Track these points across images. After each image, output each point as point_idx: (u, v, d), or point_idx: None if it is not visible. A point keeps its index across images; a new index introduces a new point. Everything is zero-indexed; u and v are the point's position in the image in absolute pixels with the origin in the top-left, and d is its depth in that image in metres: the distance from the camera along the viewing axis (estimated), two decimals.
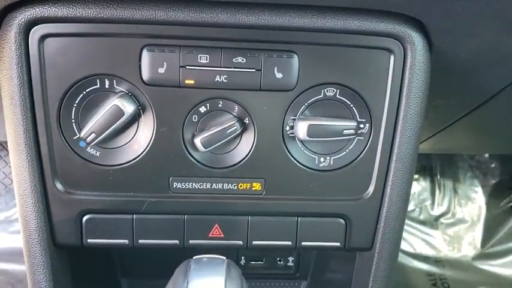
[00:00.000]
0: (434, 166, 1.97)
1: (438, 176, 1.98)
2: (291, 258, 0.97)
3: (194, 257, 0.52)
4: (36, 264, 0.68)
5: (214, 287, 0.46)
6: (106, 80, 0.62)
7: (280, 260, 0.97)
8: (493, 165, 1.92)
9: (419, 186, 1.97)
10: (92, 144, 0.63)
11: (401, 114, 0.64)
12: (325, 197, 0.68)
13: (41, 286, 0.68)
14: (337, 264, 0.87)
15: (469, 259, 1.90)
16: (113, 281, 0.94)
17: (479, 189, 1.95)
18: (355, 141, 0.66)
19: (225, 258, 0.53)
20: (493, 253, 1.91)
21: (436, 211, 1.98)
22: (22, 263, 1.68)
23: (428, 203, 1.98)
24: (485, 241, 1.92)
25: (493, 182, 1.93)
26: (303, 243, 0.70)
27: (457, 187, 1.98)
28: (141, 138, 0.64)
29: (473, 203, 1.96)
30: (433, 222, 1.97)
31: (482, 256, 1.91)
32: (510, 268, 1.89)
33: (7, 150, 1.65)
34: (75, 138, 0.64)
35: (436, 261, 1.88)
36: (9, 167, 1.67)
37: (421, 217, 1.97)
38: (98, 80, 0.62)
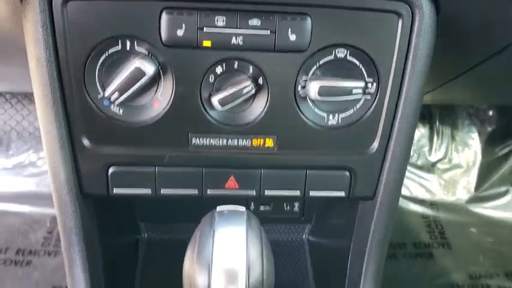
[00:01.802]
0: (434, 113, 2.02)
1: (437, 123, 2.03)
2: (296, 204, 1.04)
3: (217, 209, 0.58)
4: (66, 212, 0.74)
5: (237, 234, 0.52)
6: (127, 41, 0.65)
7: (286, 206, 1.04)
8: (490, 114, 1.96)
9: (418, 133, 2.03)
10: (116, 103, 0.67)
11: (407, 74, 0.68)
12: (332, 152, 0.73)
13: (71, 232, 0.75)
14: (341, 211, 0.93)
15: (463, 202, 1.99)
16: (132, 226, 1.01)
17: (476, 136, 2.01)
18: (362, 100, 0.70)
19: (244, 209, 0.58)
20: (485, 196, 2.00)
21: (434, 157, 2.05)
22: (37, 205, 1.77)
23: (426, 149, 2.05)
24: (479, 185, 2.00)
25: (490, 129, 1.98)
26: (311, 193, 0.76)
27: (454, 134, 2.04)
28: (161, 97, 0.68)
29: (469, 149, 2.03)
30: (430, 167, 2.04)
31: (475, 199, 2.00)
32: (501, 210, 1.99)
33: (17, 99, 1.69)
34: (99, 97, 0.68)
35: (431, 204, 1.97)
36: (20, 115, 1.72)
37: (419, 162, 2.04)
38: (119, 42, 0.65)
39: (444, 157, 2.05)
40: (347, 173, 0.75)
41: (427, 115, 2.02)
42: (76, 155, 0.70)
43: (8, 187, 1.90)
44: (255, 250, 0.52)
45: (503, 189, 2.00)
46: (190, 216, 0.96)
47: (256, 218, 0.57)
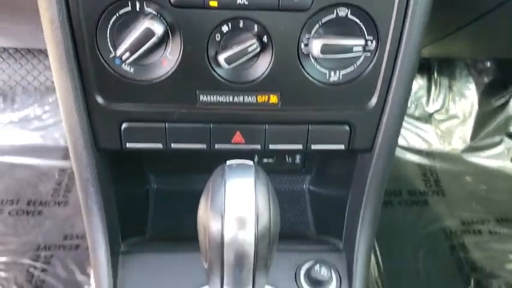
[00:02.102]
0: (433, 65, 2.04)
1: (435, 75, 2.06)
2: (298, 156, 1.09)
3: (227, 163, 0.62)
4: (83, 165, 0.78)
5: (246, 185, 0.57)
6: (137, 2, 0.67)
7: (288, 158, 1.09)
8: (488, 65, 1.99)
9: (416, 84, 2.06)
10: (127, 62, 0.70)
11: (406, 32, 0.71)
12: (333, 107, 0.77)
13: (88, 183, 0.80)
14: (340, 162, 0.98)
15: (458, 152, 2.05)
16: (142, 177, 1.06)
17: (473, 87, 2.04)
18: (362, 57, 0.73)
19: (252, 162, 0.63)
20: (480, 146, 2.06)
21: (431, 107, 2.09)
22: (44, 158, 1.83)
23: (424, 100, 2.08)
24: (474, 135, 2.06)
25: (487, 80, 2.01)
26: (312, 146, 0.80)
27: (452, 85, 2.07)
28: (170, 56, 0.71)
29: (466, 100, 2.06)
30: (427, 118, 2.09)
31: (470, 149, 2.06)
32: (495, 159, 2.06)
33: (21, 53, 1.70)
34: (111, 56, 0.71)
35: (427, 153, 2.03)
36: (25, 69, 1.74)
37: (416, 113, 2.09)
38: (129, 3, 0.67)
39: (441, 108, 2.09)
40: (347, 127, 0.79)
41: (426, 66, 2.05)
42: (90, 111, 0.74)
43: (14, 140, 1.95)
44: (263, 199, 0.56)
45: (497, 139, 2.06)
46: (196, 168, 1.01)
47: (263, 171, 0.61)
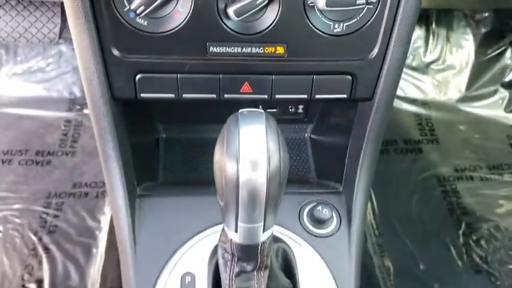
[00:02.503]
0: (431, 15, 2.05)
1: (433, 25, 2.08)
2: (300, 106, 1.14)
3: (240, 111, 0.67)
4: (100, 114, 0.83)
5: (258, 131, 0.62)
6: None
7: (291, 108, 1.14)
8: (486, 14, 2.00)
9: (414, 35, 2.06)
10: (141, 15, 0.74)
11: None
12: (336, 58, 0.81)
13: (106, 131, 0.85)
14: (341, 111, 1.03)
15: (454, 101, 2.10)
16: (152, 127, 1.12)
17: (470, 37, 2.06)
18: (365, 10, 0.77)
19: (263, 111, 0.68)
20: (475, 96, 2.11)
21: (428, 58, 2.12)
22: (49, 109, 1.87)
23: (421, 50, 2.11)
24: (470, 85, 2.10)
25: (484, 30, 2.03)
26: (316, 95, 0.85)
27: (449, 35, 2.09)
28: (181, 9, 0.75)
29: (463, 50, 2.09)
30: (424, 68, 2.12)
31: (465, 99, 2.11)
32: (489, 109, 2.11)
33: (23, 5, 1.70)
34: (125, 10, 0.74)
35: (423, 103, 2.08)
36: (28, 21, 1.75)
37: (414, 63, 2.12)
38: None
39: (438, 58, 2.12)
40: (349, 77, 0.84)
41: (424, 17, 2.06)
42: (107, 63, 0.78)
43: (19, 92, 1.98)
44: (273, 143, 0.62)
45: (492, 88, 2.10)
46: (203, 118, 1.06)
47: (273, 118, 0.66)
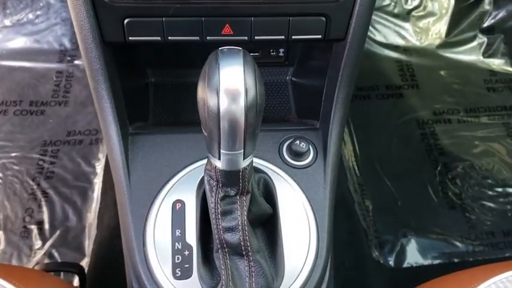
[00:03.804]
0: None
1: None
2: (281, 50, 1.20)
3: (219, 48, 0.73)
4: (92, 57, 0.89)
5: (236, 65, 0.68)
6: None
7: (272, 52, 1.20)
8: None
9: None
10: None
11: None
12: (311, 1, 0.87)
13: (98, 73, 0.91)
14: (318, 54, 1.09)
15: (434, 47, 2.17)
16: (141, 71, 1.18)
17: None
18: None
19: (241, 48, 0.74)
20: (455, 42, 2.17)
21: (409, 5, 2.16)
22: (41, 61, 1.92)
23: None
24: (449, 31, 2.16)
25: None
26: (293, 36, 0.91)
27: None
28: None
29: None
30: (405, 15, 2.17)
31: (445, 44, 2.17)
32: (468, 54, 2.18)
33: None
34: None
35: (404, 50, 2.15)
36: None
37: (395, 11, 2.16)
38: None
39: (419, 5, 2.16)
40: (323, 19, 0.90)
41: None
42: (97, 9, 0.84)
43: (10, 45, 2.01)
44: (250, 77, 0.68)
45: (471, 34, 2.16)
46: (189, 63, 1.12)
47: (250, 55, 0.73)
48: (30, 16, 2.01)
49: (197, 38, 0.89)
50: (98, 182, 1.68)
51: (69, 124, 1.83)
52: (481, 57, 2.16)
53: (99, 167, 1.71)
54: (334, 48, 0.98)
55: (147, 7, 0.85)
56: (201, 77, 0.72)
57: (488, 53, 2.15)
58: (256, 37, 0.91)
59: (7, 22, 2.01)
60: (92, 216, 1.61)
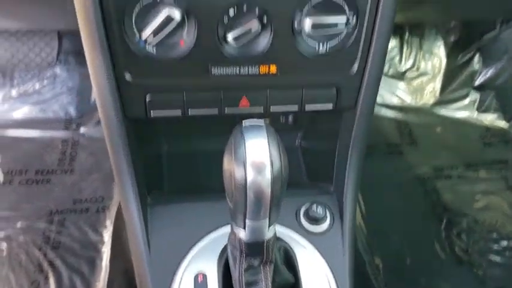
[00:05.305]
0: (404, 26, 2.19)
1: (406, 35, 2.22)
2: (290, 116, 1.24)
3: (243, 123, 0.77)
4: (114, 133, 0.92)
5: (261, 139, 0.71)
6: None
7: (282, 118, 1.24)
8: (454, 24, 2.15)
9: (389, 45, 2.20)
10: (151, 44, 0.83)
11: (380, 12, 0.86)
12: (322, 74, 0.92)
13: (119, 147, 0.93)
14: (327, 119, 1.13)
15: (429, 105, 2.24)
16: (157, 140, 1.21)
17: (441, 45, 2.21)
18: (345, 32, 0.88)
19: (263, 121, 0.77)
20: (449, 99, 2.25)
21: (403, 66, 2.25)
22: (46, 129, 1.94)
23: (397, 59, 2.24)
24: (443, 90, 2.24)
25: (454, 38, 2.18)
26: (306, 106, 0.95)
27: (422, 44, 2.23)
28: (186, 37, 0.84)
29: (435, 58, 2.23)
30: (400, 76, 2.25)
31: (440, 102, 2.25)
32: (462, 110, 2.25)
33: (21, 32, 1.78)
34: (136, 40, 0.83)
35: (401, 108, 2.21)
36: (27, 47, 1.82)
37: (390, 72, 2.25)
38: None
39: (413, 66, 2.25)
40: (334, 89, 0.95)
41: (398, 29, 2.20)
42: (120, 86, 0.88)
43: (15, 114, 2.05)
44: (275, 150, 0.72)
45: (464, 91, 2.24)
46: (202, 131, 1.16)
47: (272, 128, 0.77)
48: (37, 86, 2.05)
49: (216, 111, 0.93)
50: (106, 251, 1.67)
51: (75, 192, 1.83)
52: (475, 113, 2.23)
53: (107, 235, 1.70)
54: (345, 114, 1.02)
55: (169, 83, 0.89)
56: (227, 150, 0.74)
57: (481, 108, 2.23)
58: (271, 108, 0.95)
59: (14, 93, 2.05)
60: (100, 285, 1.59)
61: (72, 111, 2.07)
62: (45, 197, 1.82)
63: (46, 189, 1.84)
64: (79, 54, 2.06)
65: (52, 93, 2.06)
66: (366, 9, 0.86)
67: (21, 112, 2.04)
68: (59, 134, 2.00)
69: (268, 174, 0.71)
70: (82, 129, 2.02)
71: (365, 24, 0.87)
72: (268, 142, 0.72)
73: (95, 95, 0.91)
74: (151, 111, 0.91)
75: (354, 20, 0.87)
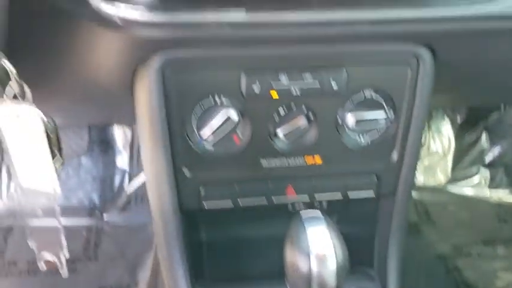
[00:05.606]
0: None
1: None
2: (324, 202, 1.29)
3: (302, 214, 0.82)
4: (169, 226, 0.96)
5: (323, 229, 0.76)
6: (217, 97, 0.88)
7: (317, 204, 1.29)
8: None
9: None
10: (209, 141, 0.90)
11: (415, 107, 0.94)
12: (364, 163, 0.99)
13: (173, 240, 0.98)
14: (362, 205, 1.18)
15: (442, 184, 2.30)
16: (200, 228, 1.25)
17: (449, 126, 2.31)
18: (384, 125, 0.96)
19: (320, 212, 0.82)
20: (460, 177, 2.31)
21: None
22: (70, 217, 1.95)
23: None
24: (454, 168, 2.31)
25: (461, 120, 2.29)
26: (349, 193, 1.01)
27: (431, 124, 2.34)
28: (241, 135, 0.92)
29: (444, 137, 2.33)
30: None
31: (452, 181, 2.31)
32: (474, 188, 2.31)
33: None
34: (196, 140, 0.90)
35: (416, 189, 2.28)
36: None
37: None
38: (212, 98, 0.88)
39: (423, 145, 2.35)
40: (375, 177, 1.01)
41: None
42: (178, 181, 0.93)
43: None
44: (337, 240, 0.76)
45: (474, 169, 2.32)
46: (239, 219, 1.20)
47: (329, 218, 0.81)
48: (62, 176, 2.11)
49: (264, 200, 0.98)
50: None
51: (100, 280, 1.83)
52: (487, 190, 2.29)
53: None
54: (384, 200, 1.07)
55: (222, 176, 0.95)
56: (288, 242, 0.79)
57: (492, 185, 2.29)
58: (316, 196, 1.00)
59: None
60: None
61: (96, 199, 2.11)
62: (71, 285, 1.81)
63: (72, 278, 1.83)
64: (103, 143, 2.14)
65: (76, 182, 2.11)
66: (402, 105, 0.94)
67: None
68: (84, 221, 2.03)
69: (332, 266, 0.75)
70: (106, 217, 2.05)
71: (402, 118, 0.95)
72: (329, 232, 0.77)
73: (149, 188, 0.96)
74: (205, 203, 0.96)
75: (392, 115, 0.95)
